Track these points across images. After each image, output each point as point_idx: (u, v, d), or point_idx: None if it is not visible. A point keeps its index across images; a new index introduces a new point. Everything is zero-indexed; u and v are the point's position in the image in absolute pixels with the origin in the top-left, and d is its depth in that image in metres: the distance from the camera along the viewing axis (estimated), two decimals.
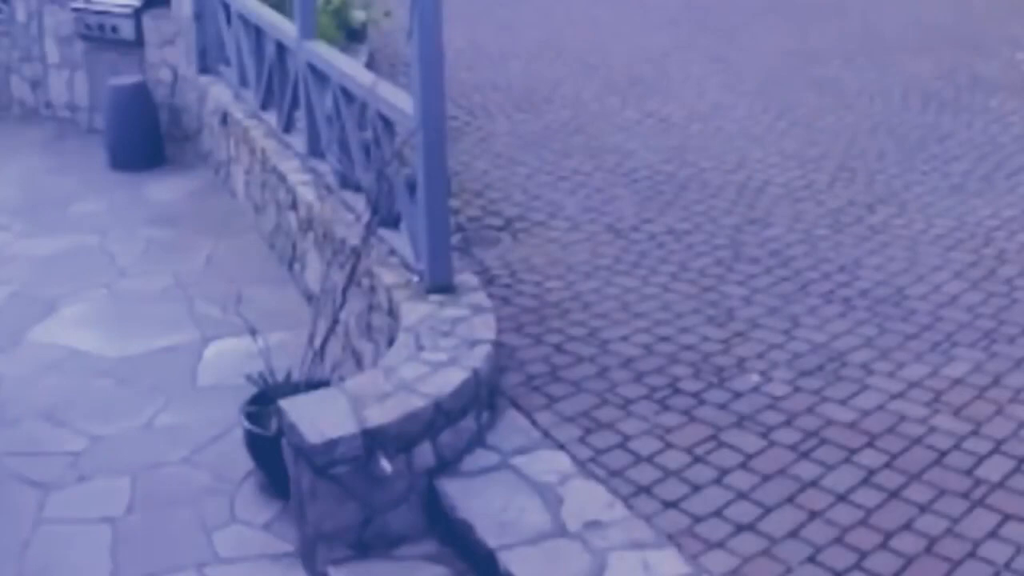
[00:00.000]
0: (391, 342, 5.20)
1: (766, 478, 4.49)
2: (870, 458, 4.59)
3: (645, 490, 4.43)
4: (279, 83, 7.59)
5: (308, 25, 7.02)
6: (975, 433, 4.74)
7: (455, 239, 6.13)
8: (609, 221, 6.87)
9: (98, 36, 9.92)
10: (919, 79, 9.53)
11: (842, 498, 4.35)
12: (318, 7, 8.09)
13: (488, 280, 6.02)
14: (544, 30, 11.49)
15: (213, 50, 9.04)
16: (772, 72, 9.87)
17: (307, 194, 6.77)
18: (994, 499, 4.33)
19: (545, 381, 5.18)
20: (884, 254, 6.39)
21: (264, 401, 5.11)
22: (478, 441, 4.71)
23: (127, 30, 9.75)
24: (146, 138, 9.36)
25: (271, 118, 7.81)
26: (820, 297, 5.92)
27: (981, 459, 4.57)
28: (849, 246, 6.50)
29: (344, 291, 5.47)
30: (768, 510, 4.30)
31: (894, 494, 4.37)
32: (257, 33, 7.98)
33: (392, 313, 5.42)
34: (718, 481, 4.48)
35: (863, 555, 4.05)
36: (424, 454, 4.52)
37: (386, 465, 4.35)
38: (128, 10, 9.73)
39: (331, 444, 4.33)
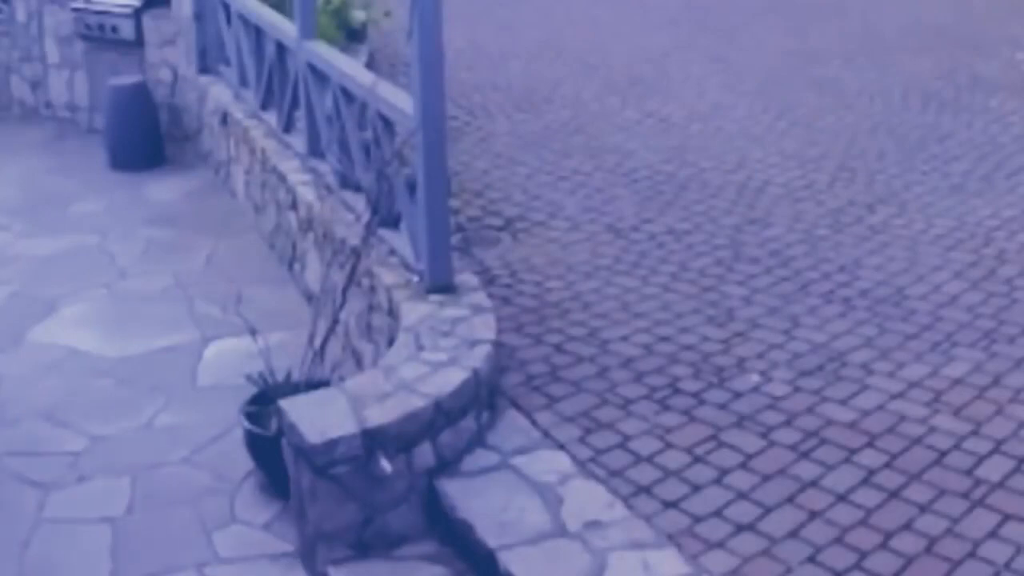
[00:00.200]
0: (391, 342, 5.19)
1: (766, 478, 4.49)
2: (870, 458, 4.58)
3: (645, 490, 4.43)
4: (279, 83, 7.59)
5: (308, 25, 7.01)
6: (975, 433, 4.74)
7: (455, 239, 6.13)
8: (609, 221, 6.87)
9: (98, 36, 9.91)
10: (919, 79, 9.53)
11: (842, 498, 4.35)
12: (318, 7, 8.09)
13: (488, 280, 6.02)
14: (544, 30, 11.49)
15: (213, 50, 9.04)
16: (772, 72, 9.86)
17: (307, 194, 6.77)
18: (994, 499, 4.33)
19: (545, 381, 5.18)
20: (884, 254, 6.39)
21: (264, 401, 5.11)
22: (478, 441, 4.71)
23: (127, 30, 9.75)
24: (146, 138, 9.36)
25: (271, 118, 7.81)
26: (820, 297, 5.92)
27: (981, 459, 4.57)
28: (849, 246, 6.50)
29: (344, 291, 5.47)
30: (768, 510, 4.30)
31: (894, 494, 4.37)
32: (257, 33, 7.98)
33: (392, 313, 5.42)
34: (718, 481, 4.48)
35: (863, 555, 4.05)
36: (424, 454, 4.52)
37: (386, 465, 4.35)
38: (128, 10, 9.72)
39: (331, 444, 4.33)
